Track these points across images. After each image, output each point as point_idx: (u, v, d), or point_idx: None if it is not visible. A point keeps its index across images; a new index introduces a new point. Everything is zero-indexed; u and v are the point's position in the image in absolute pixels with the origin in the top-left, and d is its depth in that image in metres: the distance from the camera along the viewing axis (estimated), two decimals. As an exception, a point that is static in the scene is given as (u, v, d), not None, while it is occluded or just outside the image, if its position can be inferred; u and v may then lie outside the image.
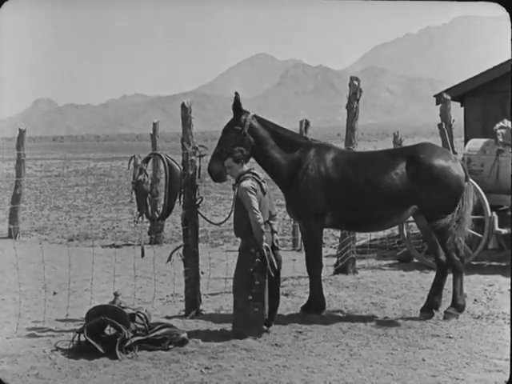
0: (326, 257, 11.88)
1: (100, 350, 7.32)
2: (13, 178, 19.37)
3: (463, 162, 11.36)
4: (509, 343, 7.49)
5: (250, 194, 7.98)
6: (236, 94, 8.92)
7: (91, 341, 7.37)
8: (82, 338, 7.48)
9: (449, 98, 12.81)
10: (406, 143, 12.49)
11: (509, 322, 8.56)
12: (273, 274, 8.05)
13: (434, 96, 14.12)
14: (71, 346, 7.51)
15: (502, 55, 12.47)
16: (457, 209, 8.85)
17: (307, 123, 14.24)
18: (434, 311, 9.00)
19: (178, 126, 9.71)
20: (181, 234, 9.96)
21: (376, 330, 8.33)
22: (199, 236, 9.40)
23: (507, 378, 6.56)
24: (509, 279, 10.41)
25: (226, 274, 11.16)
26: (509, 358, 6.93)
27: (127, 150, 61.97)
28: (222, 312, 9.26)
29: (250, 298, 7.97)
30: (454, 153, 11.92)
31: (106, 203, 23.94)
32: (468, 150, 12.72)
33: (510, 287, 10.14)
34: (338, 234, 12.80)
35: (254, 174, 8.22)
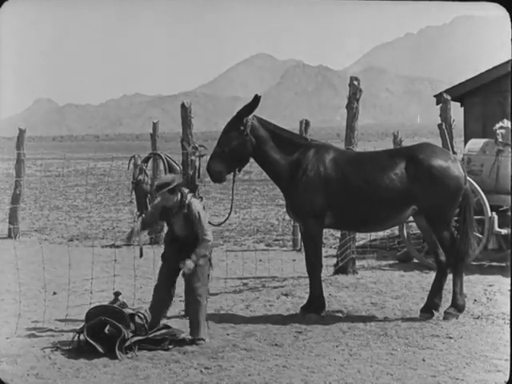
0: (326, 257, 11.87)
1: (100, 350, 7.33)
2: (13, 177, 19.33)
3: (463, 162, 11.36)
4: (509, 343, 7.48)
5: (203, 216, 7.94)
6: (257, 95, 8.85)
7: (91, 341, 7.38)
8: (82, 338, 7.48)
9: (449, 98, 12.82)
10: (406, 143, 12.49)
11: (509, 322, 8.56)
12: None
13: (434, 96, 14.13)
14: (71, 346, 7.52)
15: (503, 55, 12.48)
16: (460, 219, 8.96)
17: (307, 123, 14.23)
18: (433, 311, 9.00)
19: (178, 126, 9.71)
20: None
21: (376, 330, 8.33)
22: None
23: (507, 378, 6.56)
24: (509, 279, 10.41)
25: (225, 275, 11.17)
26: (509, 358, 6.93)
27: (127, 150, 61.95)
28: (221, 312, 9.25)
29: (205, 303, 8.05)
30: (454, 153, 11.92)
31: (105, 203, 23.93)
32: (468, 150, 12.73)
33: (509, 287, 10.14)
34: (338, 234, 12.80)
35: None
